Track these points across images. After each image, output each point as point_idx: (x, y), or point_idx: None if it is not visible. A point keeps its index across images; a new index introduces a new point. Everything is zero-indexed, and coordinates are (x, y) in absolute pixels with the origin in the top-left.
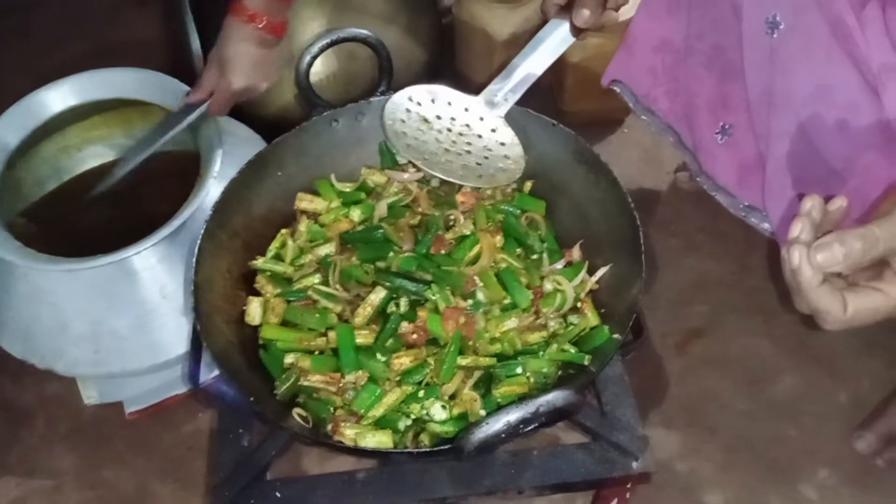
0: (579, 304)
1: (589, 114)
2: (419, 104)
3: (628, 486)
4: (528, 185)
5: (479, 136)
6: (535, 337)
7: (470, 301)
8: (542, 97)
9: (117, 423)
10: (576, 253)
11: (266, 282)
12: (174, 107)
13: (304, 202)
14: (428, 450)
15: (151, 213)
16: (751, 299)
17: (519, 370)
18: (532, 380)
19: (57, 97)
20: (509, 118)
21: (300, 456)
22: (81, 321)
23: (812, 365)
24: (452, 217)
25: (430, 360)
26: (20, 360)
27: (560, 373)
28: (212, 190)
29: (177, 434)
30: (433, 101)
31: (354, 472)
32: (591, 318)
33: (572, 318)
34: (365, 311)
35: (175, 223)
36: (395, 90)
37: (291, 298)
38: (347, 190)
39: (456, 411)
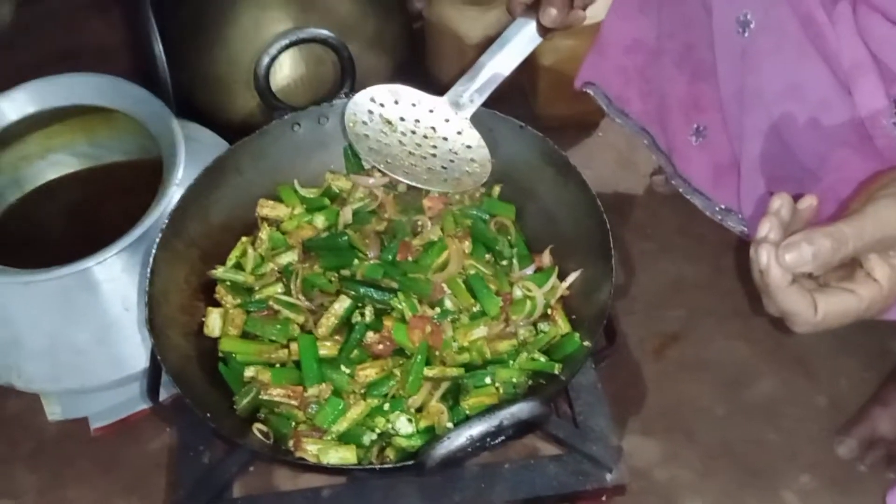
0: (549, 311)
1: (563, 117)
2: (382, 105)
3: (603, 498)
4: (496, 189)
5: (445, 139)
6: (504, 345)
7: (437, 309)
8: (516, 101)
9: (81, 441)
10: (546, 258)
11: (226, 292)
12: (145, 113)
13: (266, 209)
14: (391, 466)
15: (114, 224)
16: (727, 302)
17: (488, 380)
18: (501, 390)
19: (13, 105)
20: (476, 120)
21: (272, 471)
22: (38, 335)
23: (790, 367)
24: (419, 223)
25: (397, 372)
26: None
27: (531, 382)
28: (175, 197)
29: (142, 450)
30: (396, 101)
31: (320, 490)
32: (562, 326)
33: (542, 326)
34: (328, 321)
35: (136, 232)
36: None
37: (252, 309)
38: (311, 196)
39: (423, 424)
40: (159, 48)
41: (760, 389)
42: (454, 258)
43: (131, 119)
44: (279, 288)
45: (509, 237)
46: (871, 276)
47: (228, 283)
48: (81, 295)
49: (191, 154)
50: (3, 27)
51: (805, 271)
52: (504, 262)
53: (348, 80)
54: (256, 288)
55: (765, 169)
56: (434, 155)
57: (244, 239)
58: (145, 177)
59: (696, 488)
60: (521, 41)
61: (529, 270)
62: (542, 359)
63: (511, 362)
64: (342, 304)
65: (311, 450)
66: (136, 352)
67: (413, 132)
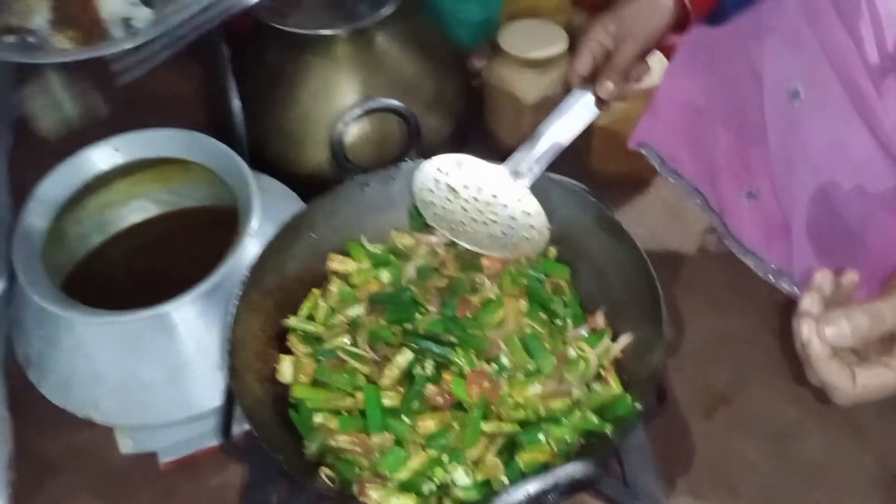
0: (602, 372)
1: (616, 174)
2: (447, 174)
3: None
4: (552, 251)
5: (505, 206)
6: (558, 403)
7: (494, 365)
8: (570, 157)
9: (147, 475)
10: (599, 319)
11: (298, 341)
12: (223, 166)
13: (336, 263)
14: None
15: (190, 267)
16: (776, 359)
17: (542, 437)
18: (555, 448)
19: (103, 156)
20: (533, 184)
21: None
22: (116, 372)
23: (838, 425)
24: (478, 281)
25: (455, 425)
26: (53, 409)
27: (583, 441)
28: (249, 246)
29: (205, 487)
30: (460, 170)
31: None
32: (615, 386)
33: (595, 386)
34: (392, 372)
35: (213, 280)
36: (424, 153)
37: (322, 358)
38: (378, 252)
39: (479, 477)
40: (237, 104)
41: (808, 447)
42: (511, 316)
43: (208, 170)
44: (347, 339)
45: (564, 297)
46: None
47: (300, 333)
48: (158, 336)
49: (263, 204)
50: (101, 119)
51: (845, 345)
52: (559, 322)
53: (414, 144)
54: (326, 338)
55: (813, 232)
56: (495, 221)
57: (315, 291)
58: (219, 222)
59: None
60: (579, 112)
61: (583, 330)
62: (595, 419)
63: (564, 420)
64: (405, 357)
65: (374, 496)
66: (205, 392)
67: (475, 199)
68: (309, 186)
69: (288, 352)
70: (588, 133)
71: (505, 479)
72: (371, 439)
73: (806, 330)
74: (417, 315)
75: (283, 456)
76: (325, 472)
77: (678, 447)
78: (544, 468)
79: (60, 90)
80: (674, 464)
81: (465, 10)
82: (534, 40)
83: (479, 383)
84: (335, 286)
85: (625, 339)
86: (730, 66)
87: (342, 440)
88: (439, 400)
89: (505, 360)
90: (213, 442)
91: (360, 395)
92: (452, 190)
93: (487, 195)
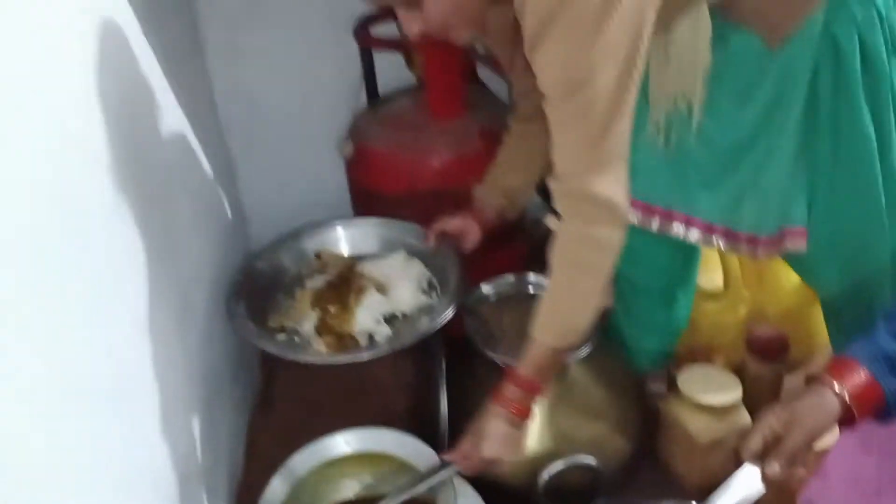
0: None
1: None
2: None
3: None
4: None
5: None
6: None
7: None
8: None
9: None
10: None
11: None
12: (423, 465)
13: None
14: None
15: None
16: None
17: None
18: None
19: (342, 443)
20: None
21: None
22: None
23: None
24: None
25: None
26: None
27: None
28: None
29: None
30: None
31: None
32: None
33: None
34: None
35: None
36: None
37: None
38: None
39: None
40: (444, 410)
41: None
42: None
43: (415, 468)
44: None
45: None
46: None
47: None
48: None
49: None
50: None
51: None
52: None
53: (601, 492)
54: None
55: None
56: None
57: None
58: None
59: None
60: (746, 485)
61: None
62: None
63: None
64: None
65: None
66: None
67: None
68: (497, 493)
69: None
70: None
71: None
72: None
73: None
74: None
75: None
76: None
77: None
78: None
79: None
80: None
81: (647, 341)
82: (710, 385)
83: None
84: None
85: None
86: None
87: None
88: None
89: None
90: None
91: None
92: None
93: None
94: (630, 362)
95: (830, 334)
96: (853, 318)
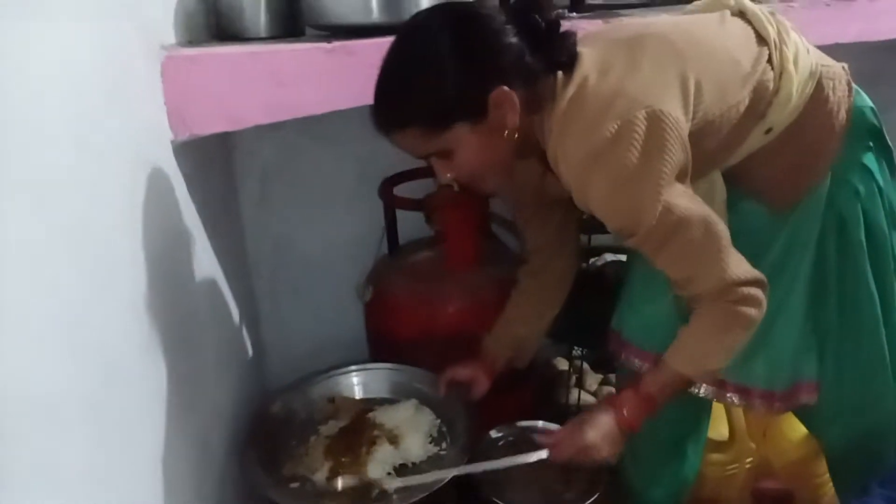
0: None
1: None
2: None
3: None
4: None
5: None
6: None
7: None
8: None
9: None
10: None
11: None
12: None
13: None
14: None
15: None
16: None
17: None
18: None
19: None
20: None
21: None
22: None
23: None
24: None
25: None
26: None
27: None
28: None
29: None
30: None
31: None
32: None
33: None
34: None
35: None
36: None
37: None
38: None
39: None
40: None
41: None
42: None
43: None
44: None
45: None
46: None
47: None
48: None
49: None
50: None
51: None
52: None
53: None
54: None
55: None
56: None
57: None
58: None
59: None
60: None
61: None
62: None
63: None
64: None
65: None
66: None
67: None
68: None
69: None
70: None
71: None
72: None
73: None
74: None
75: None
76: None
77: None
78: None
79: None
80: None
81: (654, 492)
82: None
83: None
84: None
85: None
86: None
87: None
88: None
89: None
90: None
91: None
92: None
93: None
94: None
95: (837, 489)
96: (858, 472)
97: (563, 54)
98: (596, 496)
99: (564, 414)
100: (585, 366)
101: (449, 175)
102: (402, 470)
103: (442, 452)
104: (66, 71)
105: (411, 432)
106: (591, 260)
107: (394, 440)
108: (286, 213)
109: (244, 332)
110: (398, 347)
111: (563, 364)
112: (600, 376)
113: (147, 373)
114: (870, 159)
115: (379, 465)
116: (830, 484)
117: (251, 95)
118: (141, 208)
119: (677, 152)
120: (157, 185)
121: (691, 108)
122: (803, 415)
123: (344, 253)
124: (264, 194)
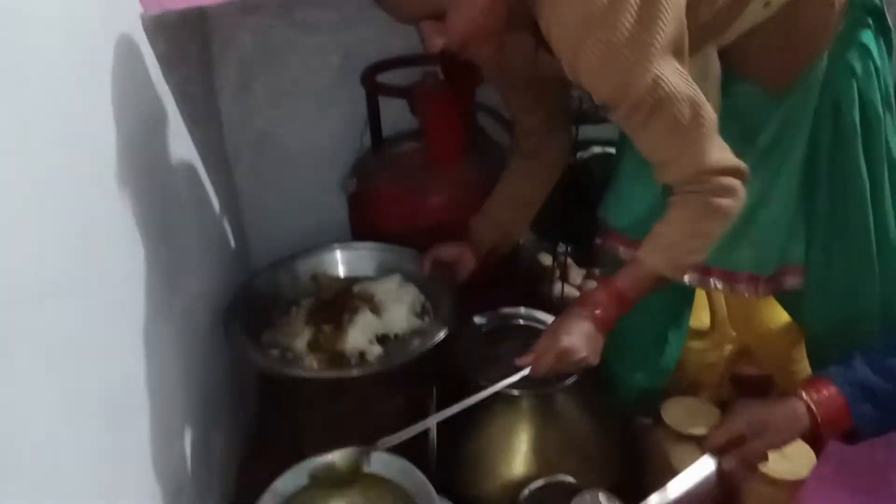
0: None
1: None
2: None
3: None
4: None
5: None
6: None
7: None
8: None
9: None
10: None
11: None
12: (413, 488)
13: None
14: None
15: None
16: None
17: None
18: None
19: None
20: None
21: None
22: None
23: None
24: None
25: None
26: None
27: None
28: None
29: None
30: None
31: None
32: None
33: None
34: None
35: None
36: None
37: None
38: None
39: None
40: (434, 437)
41: None
42: None
43: (402, 488)
44: None
45: None
46: None
47: None
48: None
49: None
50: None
51: None
52: None
53: None
54: None
55: None
56: None
57: None
58: None
59: None
60: (700, 471)
61: None
62: None
63: None
64: None
65: None
66: None
67: None
68: None
69: None
70: None
71: None
72: None
73: None
74: None
75: None
76: None
77: None
78: None
79: None
80: None
81: (635, 379)
82: (692, 417)
83: None
84: None
85: None
86: (873, 483)
87: None
88: None
89: None
90: None
91: None
92: None
93: None
94: (618, 398)
95: (814, 371)
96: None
97: None
98: (575, 377)
99: (548, 307)
100: (569, 261)
101: (439, 42)
102: (384, 341)
103: (425, 325)
104: None
105: (395, 304)
106: (578, 154)
107: (376, 310)
108: (267, 104)
109: (226, 221)
110: (382, 240)
111: (547, 259)
112: (584, 271)
113: (125, 254)
114: (868, 37)
115: (360, 332)
116: (808, 371)
117: None
118: (110, 85)
119: (672, 21)
120: (127, 62)
121: None
122: (786, 300)
123: (327, 144)
124: (244, 85)
